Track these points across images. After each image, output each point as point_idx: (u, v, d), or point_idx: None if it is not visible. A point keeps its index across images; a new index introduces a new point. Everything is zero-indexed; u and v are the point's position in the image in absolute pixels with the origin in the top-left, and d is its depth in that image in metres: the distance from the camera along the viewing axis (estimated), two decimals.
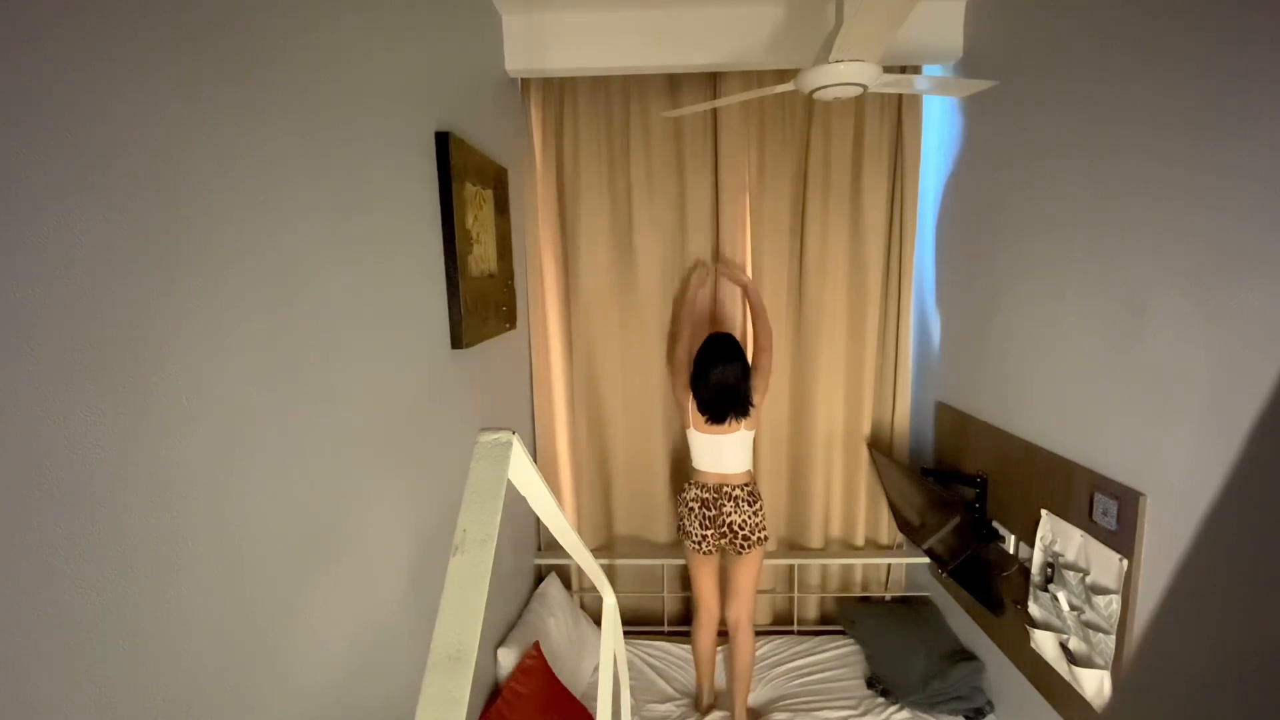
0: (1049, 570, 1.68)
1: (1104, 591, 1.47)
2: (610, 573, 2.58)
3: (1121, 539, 1.42)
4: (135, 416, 0.70)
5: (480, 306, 1.77)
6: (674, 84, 2.37)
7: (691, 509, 2.13)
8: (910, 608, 2.52)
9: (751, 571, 2.13)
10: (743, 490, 2.10)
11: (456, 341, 1.63)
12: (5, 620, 0.57)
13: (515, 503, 0.63)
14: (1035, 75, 1.73)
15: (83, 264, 0.65)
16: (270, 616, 0.92)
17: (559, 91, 2.37)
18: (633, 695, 2.27)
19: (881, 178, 2.39)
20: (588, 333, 2.51)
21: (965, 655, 2.22)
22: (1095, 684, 1.50)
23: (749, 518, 2.08)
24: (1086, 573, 1.53)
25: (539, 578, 2.55)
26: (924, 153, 2.38)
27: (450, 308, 1.61)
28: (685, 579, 2.67)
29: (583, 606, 2.59)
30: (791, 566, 2.65)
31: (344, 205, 1.14)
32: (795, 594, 2.67)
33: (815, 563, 2.63)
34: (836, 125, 2.36)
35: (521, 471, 0.61)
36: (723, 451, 2.09)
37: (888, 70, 1.72)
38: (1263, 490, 1.10)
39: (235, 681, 0.85)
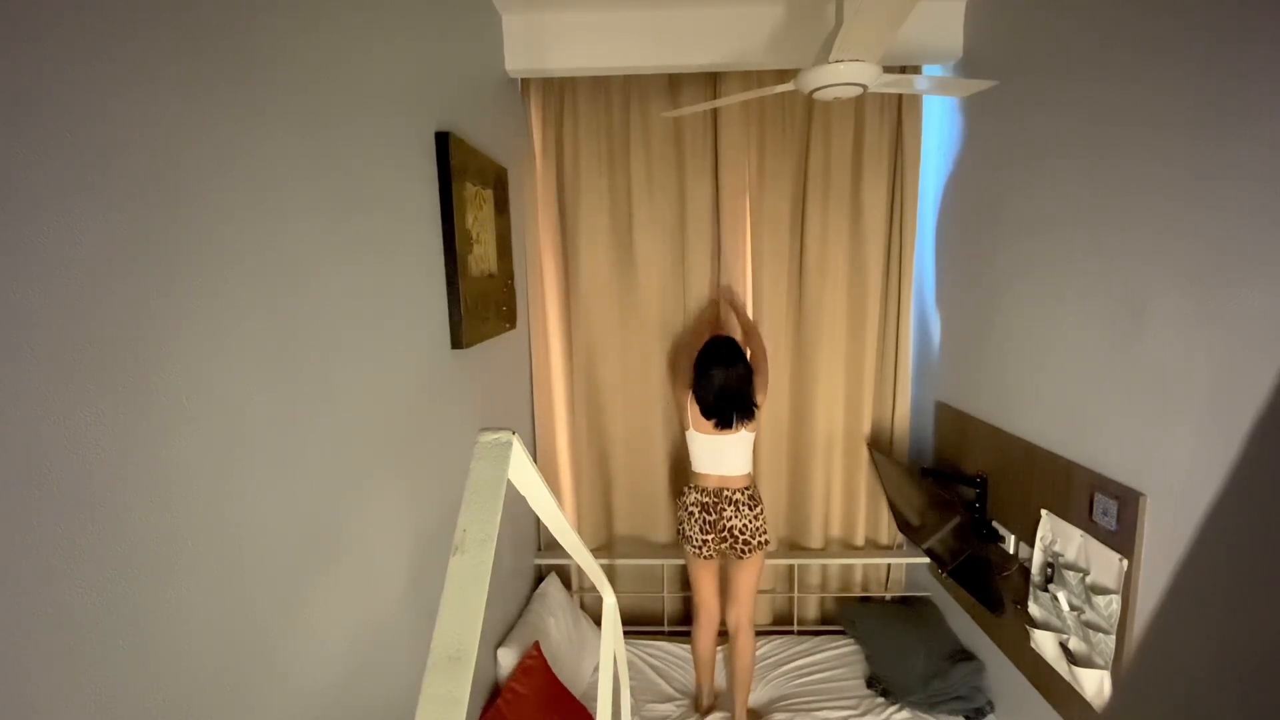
0: (1049, 570, 1.68)
1: (1104, 591, 1.47)
2: (610, 573, 2.58)
3: (1121, 539, 1.42)
4: (135, 416, 0.70)
5: (480, 306, 1.77)
6: (674, 84, 2.37)
7: (691, 513, 2.12)
8: (910, 608, 2.52)
9: (752, 575, 2.13)
10: (743, 494, 2.08)
11: (456, 341, 1.63)
12: (5, 620, 0.57)
13: (515, 503, 0.63)
14: (1035, 75, 1.73)
15: (83, 264, 0.65)
16: (270, 616, 0.92)
17: (559, 91, 2.37)
18: (633, 695, 2.27)
19: (881, 178, 2.39)
20: (588, 332, 2.51)
21: (965, 655, 2.22)
22: (1095, 684, 1.50)
23: (749, 522, 2.07)
24: (1086, 573, 1.53)
25: (539, 578, 2.55)
26: (924, 153, 2.37)
27: (450, 308, 1.61)
28: (685, 579, 2.67)
29: (583, 606, 2.59)
30: (791, 566, 2.65)
31: (344, 205, 1.14)
32: (795, 594, 2.67)
33: (815, 563, 2.63)
34: (836, 125, 2.36)
35: (521, 471, 0.62)
36: (723, 453, 2.08)
37: (888, 70, 1.72)
38: (1263, 490, 1.10)
39: (235, 681, 0.85)
